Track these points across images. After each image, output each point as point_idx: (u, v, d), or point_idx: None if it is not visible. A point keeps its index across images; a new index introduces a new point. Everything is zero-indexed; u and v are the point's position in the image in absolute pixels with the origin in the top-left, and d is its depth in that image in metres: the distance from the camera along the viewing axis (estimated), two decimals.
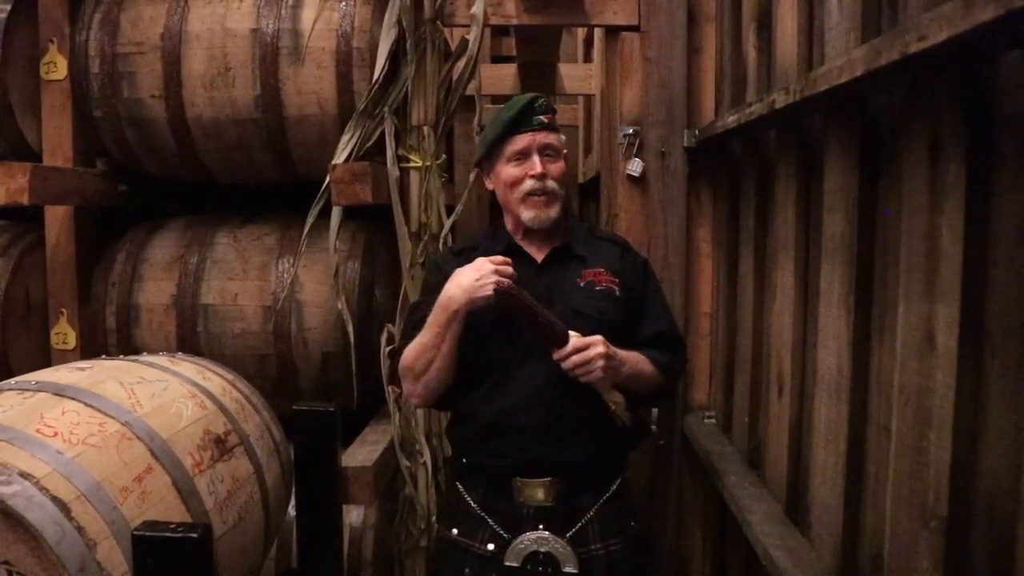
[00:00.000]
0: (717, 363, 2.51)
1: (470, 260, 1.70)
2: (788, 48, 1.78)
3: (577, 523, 1.68)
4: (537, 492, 1.67)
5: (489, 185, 1.83)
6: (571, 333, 1.59)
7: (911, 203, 1.24)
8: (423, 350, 1.69)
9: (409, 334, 1.78)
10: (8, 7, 2.74)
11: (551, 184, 1.72)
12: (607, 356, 1.58)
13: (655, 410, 2.49)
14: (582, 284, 1.73)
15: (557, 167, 1.74)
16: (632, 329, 1.76)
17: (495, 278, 1.60)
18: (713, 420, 2.49)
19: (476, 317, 1.65)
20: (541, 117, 1.73)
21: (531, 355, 1.67)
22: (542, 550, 1.64)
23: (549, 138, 1.73)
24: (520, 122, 1.72)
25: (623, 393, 1.66)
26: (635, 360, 1.69)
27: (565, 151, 1.80)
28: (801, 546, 1.63)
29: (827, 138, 1.58)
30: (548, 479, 1.67)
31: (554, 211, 1.73)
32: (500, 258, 1.66)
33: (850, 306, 1.46)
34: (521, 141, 1.72)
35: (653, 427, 2.51)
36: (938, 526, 1.14)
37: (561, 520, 1.67)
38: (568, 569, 1.63)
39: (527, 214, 1.73)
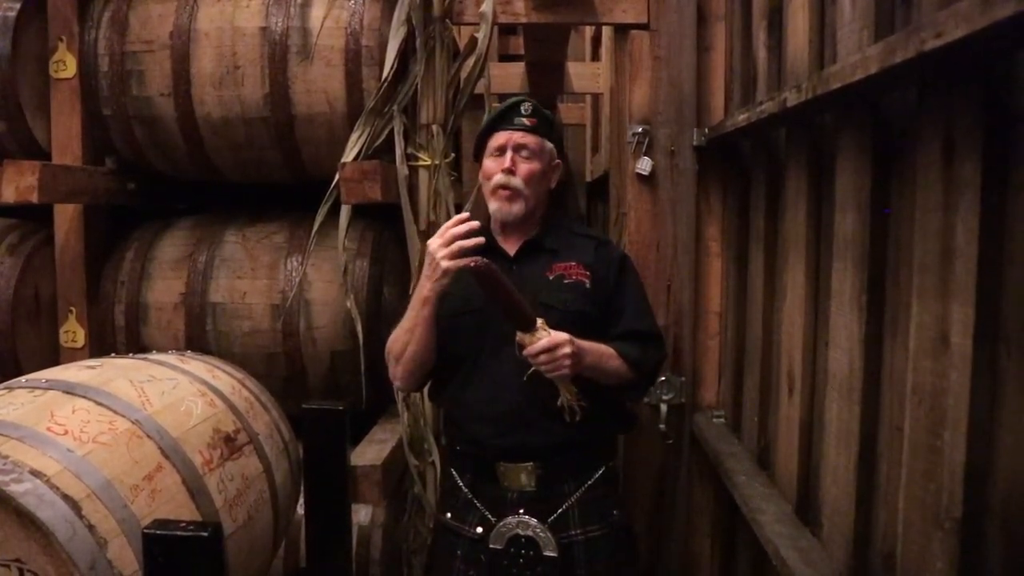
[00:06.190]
0: (726, 362, 2.50)
1: None
2: (799, 46, 1.77)
3: (558, 509, 1.74)
4: (520, 477, 1.75)
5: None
6: (539, 320, 1.63)
7: (925, 202, 1.23)
8: (401, 334, 1.80)
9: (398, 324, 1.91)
10: (17, 6, 2.74)
11: (516, 181, 1.79)
12: (574, 355, 1.62)
13: (664, 409, 2.49)
14: (551, 277, 1.79)
15: (528, 167, 1.80)
16: (605, 323, 1.81)
17: (443, 254, 1.64)
18: (722, 420, 2.48)
19: (450, 304, 1.73)
20: (523, 119, 1.81)
21: (503, 343, 1.72)
22: (524, 534, 1.71)
23: (526, 139, 1.80)
24: (503, 120, 1.82)
25: (586, 383, 1.70)
26: (598, 352, 1.72)
27: (556, 161, 1.87)
28: (812, 546, 1.62)
29: (839, 137, 1.57)
30: (530, 464, 1.74)
31: (516, 207, 1.79)
32: (457, 217, 1.69)
33: (863, 305, 1.45)
34: (500, 138, 1.82)
35: (663, 426, 2.51)
36: (952, 527, 1.13)
37: (543, 505, 1.74)
38: (548, 553, 1.69)
39: (492, 206, 1.83)
